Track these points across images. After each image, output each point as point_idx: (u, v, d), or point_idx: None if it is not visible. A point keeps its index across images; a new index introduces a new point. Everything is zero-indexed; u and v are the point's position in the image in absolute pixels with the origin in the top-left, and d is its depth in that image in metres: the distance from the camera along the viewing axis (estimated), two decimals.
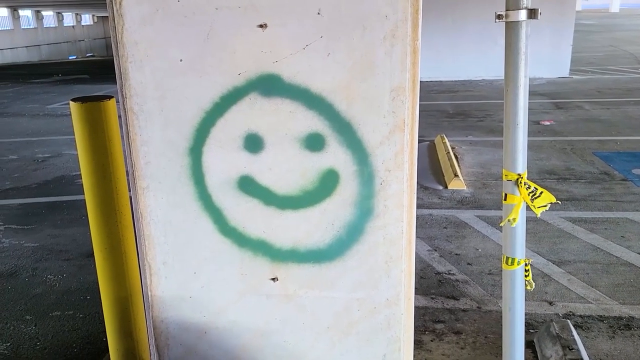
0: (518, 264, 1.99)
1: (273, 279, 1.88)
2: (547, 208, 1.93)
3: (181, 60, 1.71)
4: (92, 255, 2.71)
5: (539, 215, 1.95)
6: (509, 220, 1.95)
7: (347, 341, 1.92)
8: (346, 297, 1.87)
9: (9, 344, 3.16)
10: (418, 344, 2.94)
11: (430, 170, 6.27)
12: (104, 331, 2.82)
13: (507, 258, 2.00)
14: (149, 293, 1.97)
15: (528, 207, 1.95)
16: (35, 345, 3.13)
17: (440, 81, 12.93)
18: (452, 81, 13.14)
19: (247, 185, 1.80)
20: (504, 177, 1.96)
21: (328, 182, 1.76)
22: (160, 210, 1.87)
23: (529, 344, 2.88)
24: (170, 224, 1.87)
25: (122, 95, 1.77)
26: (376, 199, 1.76)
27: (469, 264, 3.97)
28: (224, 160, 1.78)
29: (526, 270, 2.03)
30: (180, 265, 1.92)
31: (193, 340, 1.99)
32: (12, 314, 3.48)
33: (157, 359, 2.04)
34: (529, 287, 2.03)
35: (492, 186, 5.66)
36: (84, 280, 3.89)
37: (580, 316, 3.24)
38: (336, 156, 1.73)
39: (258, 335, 1.96)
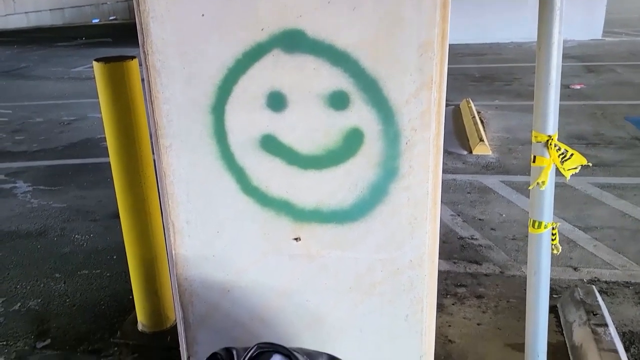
0: (545, 228, 1.95)
1: (295, 239, 1.87)
2: (577, 171, 1.87)
3: (203, 15, 1.67)
4: (117, 216, 2.75)
5: (568, 179, 1.89)
6: (537, 184, 1.89)
7: (369, 302, 1.92)
8: (369, 258, 1.86)
9: (40, 299, 3.26)
10: (440, 307, 2.93)
11: (455, 134, 6.17)
12: (130, 289, 2.89)
13: (534, 221, 1.96)
14: (173, 252, 1.99)
15: (557, 172, 1.89)
16: (64, 302, 3.23)
17: (467, 44, 12.58)
18: (480, 44, 12.77)
19: (270, 144, 1.78)
20: (533, 138, 1.90)
21: (352, 142, 1.73)
22: (183, 169, 1.86)
23: (552, 309, 2.86)
24: (193, 182, 1.87)
25: (144, 52, 1.75)
26: (401, 159, 1.72)
27: (492, 229, 3.93)
28: (246, 118, 1.76)
29: (553, 234, 1.98)
30: (203, 225, 1.92)
31: (216, 298, 2.01)
32: (42, 271, 3.58)
33: (182, 316, 2.07)
34: (555, 251, 1.99)
35: (518, 151, 5.55)
36: (110, 240, 3.97)
37: (606, 282, 3.19)
38: (361, 115, 1.69)
39: (280, 295, 1.97)
